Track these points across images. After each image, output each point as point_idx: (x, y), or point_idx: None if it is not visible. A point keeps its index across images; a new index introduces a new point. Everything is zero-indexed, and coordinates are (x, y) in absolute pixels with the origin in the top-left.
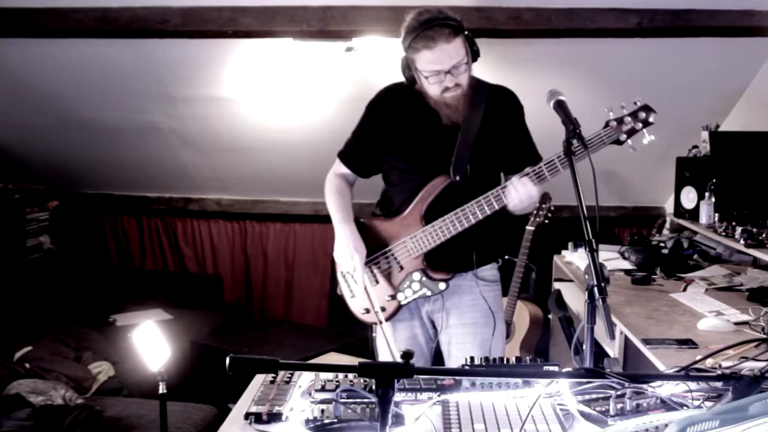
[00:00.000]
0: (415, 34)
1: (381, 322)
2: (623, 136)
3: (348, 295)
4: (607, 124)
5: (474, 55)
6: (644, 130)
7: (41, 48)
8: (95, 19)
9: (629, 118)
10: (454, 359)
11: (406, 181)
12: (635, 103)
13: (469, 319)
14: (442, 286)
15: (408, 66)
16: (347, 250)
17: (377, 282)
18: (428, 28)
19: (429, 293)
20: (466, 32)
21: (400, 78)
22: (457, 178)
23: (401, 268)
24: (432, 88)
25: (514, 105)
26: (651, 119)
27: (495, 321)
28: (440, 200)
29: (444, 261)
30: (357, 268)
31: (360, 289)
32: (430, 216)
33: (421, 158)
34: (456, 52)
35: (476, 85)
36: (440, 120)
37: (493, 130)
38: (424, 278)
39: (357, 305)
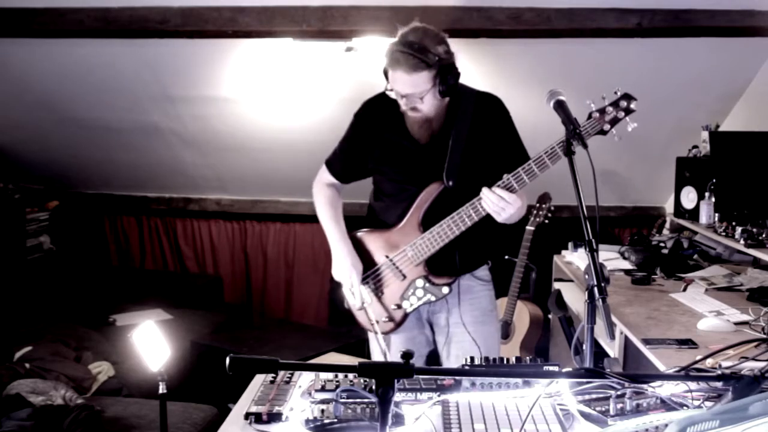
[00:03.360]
0: (390, 50)
1: (377, 333)
2: (607, 126)
3: (356, 307)
4: (590, 116)
5: (446, 90)
6: (627, 118)
7: (41, 48)
8: (95, 19)
9: (611, 108)
10: (453, 358)
11: (402, 191)
12: (615, 93)
13: (468, 318)
14: (445, 290)
15: (386, 77)
16: (346, 268)
17: (382, 293)
18: (399, 51)
19: (433, 298)
20: (439, 62)
21: None
22: (450, 183)
23: (404, 276)
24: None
25: (500, 111)
26: (632, 106)
27: (492, 319)
28: (436, 206)
29: (444, 266)
30: (354, 285)
31: (364, 306)
32: (427, 223)
33: (414, 168)
34: (413, 84)
35: (463, 92)
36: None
37: (481, 135)
38: (427, 284)
39: (365, 318)
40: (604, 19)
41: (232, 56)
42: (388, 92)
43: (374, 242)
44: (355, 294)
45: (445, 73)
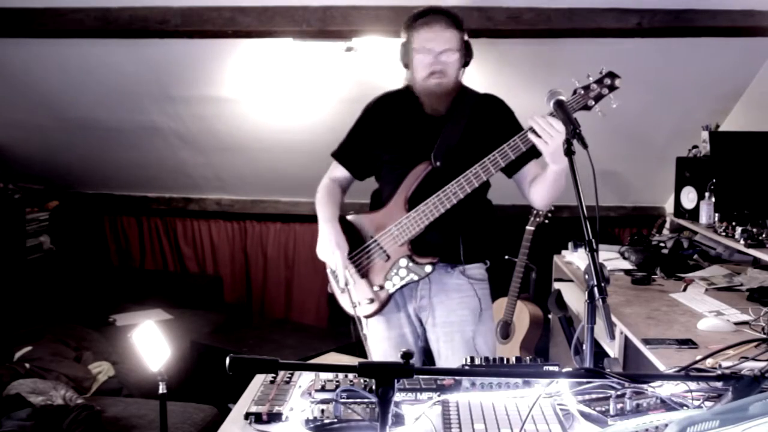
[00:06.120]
0: (417, 17)
1: (358, 317)
2: (591, 102)
3: (338, 291)
4: (575, 92)
5: (467, 56)
6: (610, 95)
7: (41, 48)
8: (95, 19)
9: (595, 85)
10: (443, 357)
11: (392, 172)
12: (600, 72)
13: (456, 317)
14: (428, 268)
15: (405, 48)
16: (329, 245)
17: (366, 275)
18: (430, 14)
19: (416, 277)
20: (465, 35)
21: (400, 78)
22: (438, 163)
23: (388, 257)
24: (420, 69)
25: (502, 109)
26: (616, 83)
27: (484, 318)
28: (424, 187)
29: (429, 247)
30: (338, 265)
31: (346, 285)
32: (414, 203)
33: (404, 147)
34: (449, 40)
35: (466, 92)
36: (423, 109)
37: (479, 127)
38: (410, 264)
39: (347, 300)
40: (604, 19)
41: (232, 56)
42: (414, 60)
43: (362, 224)
44: (339, 275)
45: (468, 46)
